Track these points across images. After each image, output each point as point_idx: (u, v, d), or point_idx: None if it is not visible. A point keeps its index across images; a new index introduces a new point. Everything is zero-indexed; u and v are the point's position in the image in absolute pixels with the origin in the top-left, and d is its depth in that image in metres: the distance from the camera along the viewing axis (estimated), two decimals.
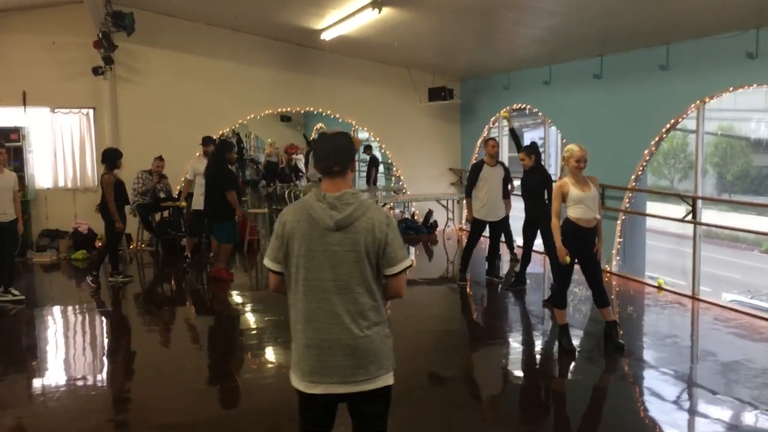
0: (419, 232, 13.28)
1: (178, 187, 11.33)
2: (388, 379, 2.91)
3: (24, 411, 5.10)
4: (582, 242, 6.07)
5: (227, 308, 8.30)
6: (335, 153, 2.85)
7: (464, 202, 9.04)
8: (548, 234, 8.16)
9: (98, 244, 11.18)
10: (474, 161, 12.70)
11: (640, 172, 9.08)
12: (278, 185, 16.70)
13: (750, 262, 16.13)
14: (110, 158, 8.86)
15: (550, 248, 8.22)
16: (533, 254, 8.73)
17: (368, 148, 17.23)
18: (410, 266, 2.94)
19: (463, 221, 13.85)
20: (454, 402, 5.19)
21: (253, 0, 10.13)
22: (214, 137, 10.38)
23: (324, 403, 2.88)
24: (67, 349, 6.77)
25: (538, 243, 8.50)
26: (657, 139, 8.76)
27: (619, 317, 7.11)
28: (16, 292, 8.13)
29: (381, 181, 18.26)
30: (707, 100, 8.13)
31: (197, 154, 10.56)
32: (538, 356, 6.51)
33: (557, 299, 6.30)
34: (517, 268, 8.85)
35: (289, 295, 2.93)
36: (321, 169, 2.87)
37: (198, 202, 9.86)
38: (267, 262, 2.94)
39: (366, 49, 12.00)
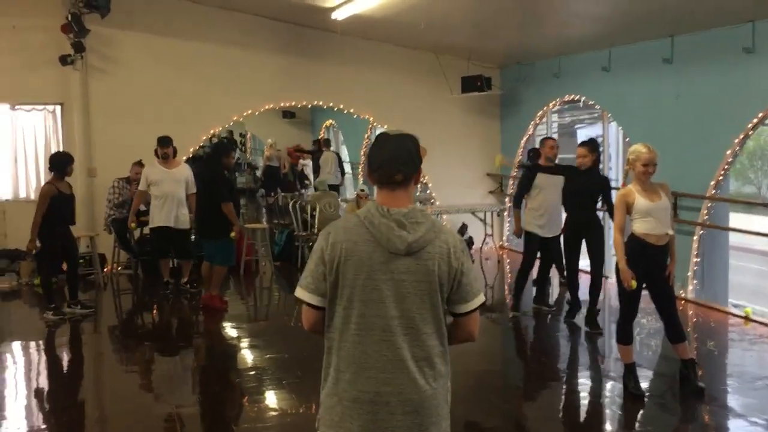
0: None
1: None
2: None
3: None
4: (651, 263, 6.03)
5: (220, 343, 8.35)
6: (399, 158, 2.74)
7: (510, 213, 9.02)
8: (598, 249, 8.17)
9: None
10: (518, 162, 12.71)
11: (721, 178, 9.02)
12: (280, 195, 16.77)
13: None
14: (59, 165, 8.85)
15: (598, 268, 8.24)
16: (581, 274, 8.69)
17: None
18: (485, 303, 2.86)
19: (506, 236, 13.83)
20: None
21: None
22: (171, 138, 10.29)
23: None
24: (28, 394, 6.84)
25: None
26: (741, 136, 8.71)
27: (697, 354, 7.05)
28: None
29: None
30: None
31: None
32: (598, 402, 6.47)
33: (622, 333, 6.25)
34: (568, 295, 8.78)
35: (330, 335, 2.77)
36: (378, 178, 2.75)
37: (160, 218, 9.91)
38: (304, 294, 2.76)
39: (386, 30, 12.06)
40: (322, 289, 2.72)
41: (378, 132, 2.85)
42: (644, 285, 6.10)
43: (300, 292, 2.76)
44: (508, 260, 12.88)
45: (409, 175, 2.74)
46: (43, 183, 11.81)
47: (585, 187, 8.09)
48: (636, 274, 5.94)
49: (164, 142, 10.12)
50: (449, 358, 2.79)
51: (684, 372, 6.27)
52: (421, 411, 2.68)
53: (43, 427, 5.97)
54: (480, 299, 2.78)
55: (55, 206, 8.68)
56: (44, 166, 11.82)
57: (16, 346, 8.24)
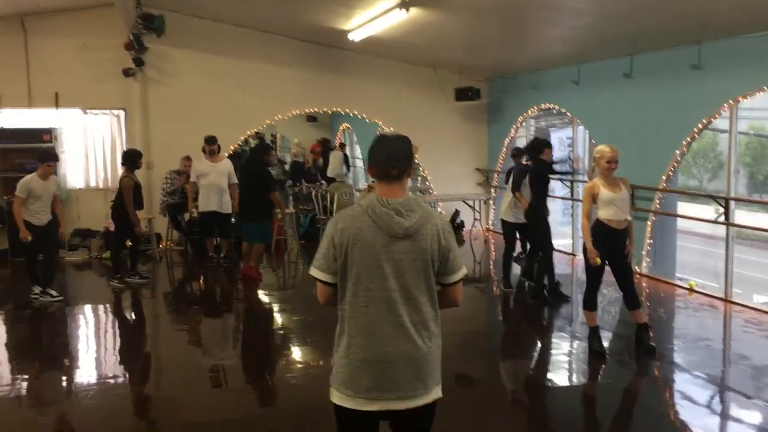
0: None
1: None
2: (438, 392, 2.83)
3: (61, 409, 5.19)
4: (613, 243, 6.00)
5: (256, 308, 8.36)
6: (395, 156, 2.73)
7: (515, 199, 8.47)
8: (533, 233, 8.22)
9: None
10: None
11: (671, 173, 8.97)
12: (304, 185, 16.78)
13: None
14: (131, 160, 8.99)
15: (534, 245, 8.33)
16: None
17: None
18: (467, 275, 2.88)
19: (491, 221, 13.81)
20: (482, 405, 5.18)
21: (281, 1, 10.18)
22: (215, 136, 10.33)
23: (373, 422, 2.78)
24: (98, 348, 6.88)
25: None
26: (689, 139, 8.65)
27: (649, 319, 7.03)
28: (54, 293, 8.23)
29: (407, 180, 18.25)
30: (740, 99, 8.01)
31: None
32: (567, 359, 6.47)
33: (587, 301, 6.23)
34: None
35: (342, 307, 2.76)
36: (377, 173, 2.74)
37: (208, 204, 9.95)
38: (317, 273, 2.76)
39: (393, 49, 12.01)
40: (333, 269, 2.71)
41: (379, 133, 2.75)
42: (606, 261, 6.07)
43: (314, 272, 2.76)
44: (493, 240, 12.86)
45: (402, 171, 2.73)
46: (110, 174, 11.92)
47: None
48: (600, 252, 5.92)
49: (211, 140, 10.13)
50: (440, 322, 2.81)
51: (639, 334, 6.26)
52: (420, 366, 2.72)
53: (110, 375, 6.00)
54: (463, 272, 2.81)
55: (135, 195, 8.89)
56: (110, 160, 11.90)
57: (87, 308, 8.28)
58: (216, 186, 9.93)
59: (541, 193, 8.03)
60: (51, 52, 11.25)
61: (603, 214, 6.00)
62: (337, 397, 2.77)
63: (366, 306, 2.68)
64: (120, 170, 11.82)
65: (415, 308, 2.70)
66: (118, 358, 6.50)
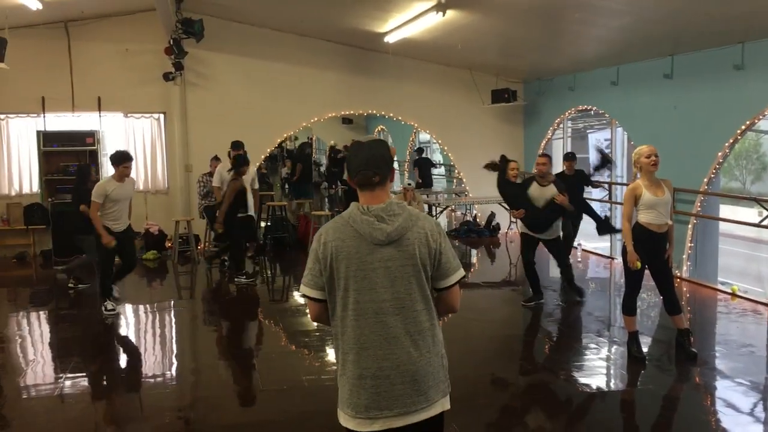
0: (481, 234, 13.20)
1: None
2: (445, 404, 2.68)
3: (103, 406, 5.28)
4: (653, 247, 5.87)
5: (289, 307, 8.41)
6: (374, 162, 2.59)
7: None
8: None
9: (168, 244, 11.50)
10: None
11: (712, 175, 8.79)
12: (340, 187, 16.82)
13: None
14: (239, 164, 9.22)
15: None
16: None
17: (419, 151, 17.29)
18: (464, 277, 2.71)
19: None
20: (518, 409, 5.13)
21: (318, 5, 10.25)
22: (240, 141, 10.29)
23: None
24: (140, 347, 6.98)
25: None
26: (731, 141, 8.47)
27: (690, 324, 6.89)
28: (110, 305, 7.88)
29: (442, 183, 18.21)
30: None
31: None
32: (605, 363, 6.37)
33: (627, 305, 6.12)
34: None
35: (333, 323, 2.65)
36: (359, 181, 2.60)
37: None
38: (305, 290, 2.65)
39: (429, 51, 11.99)
40: (320, 284, 2.60)
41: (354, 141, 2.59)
42: (647, 266, 5.96)
43: (303, 288, 2.66)
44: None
45: (384, 176, 2.60)
46: (150, 176, 12.12)
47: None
48: (640, 256, 5.81)
49: (237, 145, 10.05)
50: (440, 329, 2.68)
51: (679, 339, 6.13)
52: (418, 378, 2.57)
53: (151, 374, 6.09)
54: (459, 274, 2.65)
55: (237, 198, 9.16)
56: (150, 163, 12.10)
57: (128, 308, 8.40)
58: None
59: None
60: (94, 57, 11.50)
61: (644, 217, 5.87)
62: (342, 418, 2.66)
63: (356, 319, 2.56)
64: (159, 172, 12.15)
65: (410, 318, 2.56)
66: (155, 359, 6.59)
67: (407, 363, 2.56)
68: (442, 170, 18.62)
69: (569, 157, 9.20)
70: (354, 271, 2.54)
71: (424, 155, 17.41)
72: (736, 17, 7.45)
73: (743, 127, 8.31)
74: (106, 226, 7.63)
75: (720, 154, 8.61)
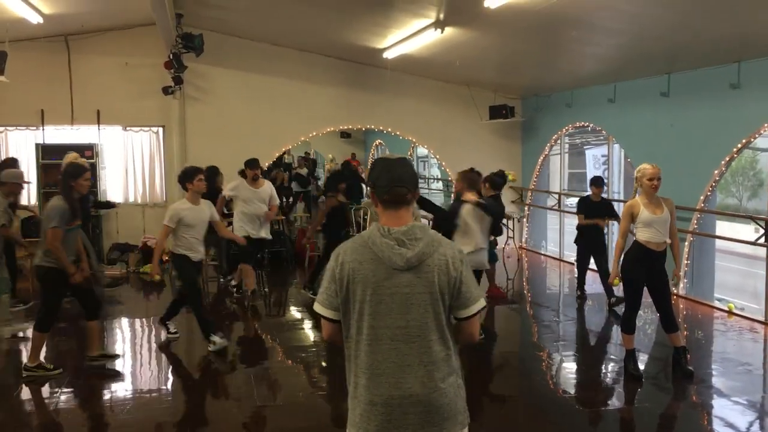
0: None
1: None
2: None
3: (98, 421, 5.26)
4: (651, 265, 5.86)
5: (286, 324, 8.38)
6: (404, 180, 2.50)
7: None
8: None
9: (165, 258, 11.46)
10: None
11: (709, 193, 8.82)
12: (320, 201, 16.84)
13: None
14: (334, 183, 9.25)
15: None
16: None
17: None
18: (484, 308, 2.60)
19: (524, 239, 13.68)
20: (514, 427, 5.11)
21: (317, 21, 10.30)
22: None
23: None
24: (135, 361, 6.95)
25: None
26: (728, 158, 8.50)
27: (687, 342, 6.89)
28: (218, 339, 6.95)
29: (440, 197, 18.25)
30: None
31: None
32: (602, 381, 6.36)
33: (626, 324, 6.10)
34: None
35: (347, 344, 2.57)
36: (390, 198, 2.49)
37: (253, 229, 8.86)
38: (320, 309, 2.56)
39: (427, 67, 12.05)
40: (335, 304, 2.51)
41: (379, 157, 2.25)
42: (645, 283, 5.94)
43: (317, 307, 2.57)
44: (526, 258, 12.76)
45: (413, 194, 2.54)
46: (148, 190, 12.13)
47: None
48: (639, 273, 5.82)
49: (253, 164, 9.07)
50: (457, 360, 2.58)
51: (676, 357, 6.12)
52: (432, 409, 2.47)
53: (146, 388, 6.06)
54: (479, 305, 2.53)
55: (332, 214, 9.02)
56: (149, 176, 12.11)
57: (125, 321, 8.38)
58: (258, 214, 8.91)
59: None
60: (93, 70, 11.53)
61: (642, 235, 5.87)
62: None
63: (369, 344, 2.48)
64: (158, 186, 12.15)
65: (424, 347, 2.47)
66: (157, 373, 6.57)
67: (420, 393, 2.46)
68: (439, 185, 18.66)
69: (598, 183, 8.79)
70: (370, 295, 2.45)
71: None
72: (732, 37, 7.50)
73: (740, 145, 8.35)
74: (183, 255, 6.78)
75: (716, 171, 8.65)
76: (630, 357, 6.12)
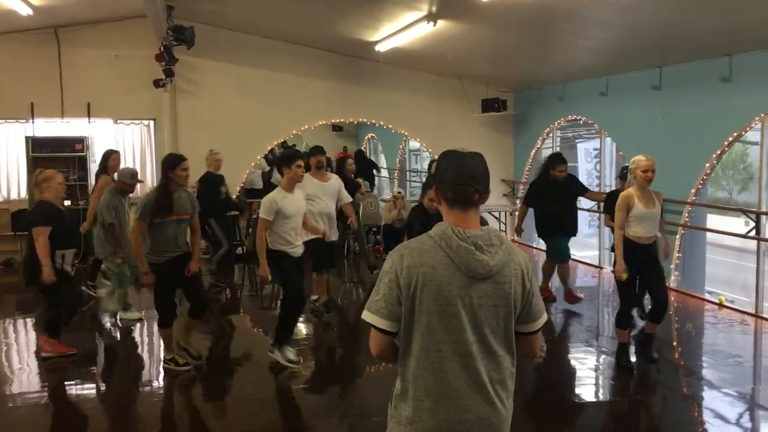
0: None
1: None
2: None
3: (90, 415, 5.24)
4: (643, 258, 5.83)
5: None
6: (477, 178, 2.27)
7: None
8: None
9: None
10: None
11: (700, 186, 8.85)
12: None
13: None
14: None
15: None
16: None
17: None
18: (548, 320, 2.48)
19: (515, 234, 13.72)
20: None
21: (309, 14, 10.26)
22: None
23: None
24: (127, 356, 6.93)
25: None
26: (719, 152, 8.53)
27: (677, 334, 6.93)
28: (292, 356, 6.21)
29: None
30: None
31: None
32: (594, 374, 6.39)
33: (621, 319, 6.07)
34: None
35: (405, 362, 2.27)
36: (455, 196, 2.25)
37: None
38: (374, 318, 2.24)
39: (420, 60, 12.03)
40: (396, 314, 2.22)
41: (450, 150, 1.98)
42: (637, 277, 5.93)
43: (370, 317, 2.25)
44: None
45: (483, 196, 2.29)
46: (139, 184, 12.02)
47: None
48: (630, 268, 5.77)
49: (318, 150, 7.75)
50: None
51: (644, 342, 6.18)
52: None
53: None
54: (544, 318, 2.36)
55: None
56: (140, 169, 12.04)
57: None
58: (327, 213, 7.46)
59: None
60: (83, 63, 11.45)
61: (633, 231, 5.80)
62: None
63: (439, 362, 2.21)
64: (149, 179, 12.09)
65: (495, 364, 2.26)
66: (148, 367, 6.55)
67: (491, 416, 2.26)
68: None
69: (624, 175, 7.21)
70: (443, 305, 2.18)
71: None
72: (724, 30, 7.52)
73: (731, 139, 8.38)
74: (281, 251, 5.96)
75: (708, 164, 8.68)
76: (622, 350, 6.12)
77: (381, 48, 10.74)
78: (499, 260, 2.22)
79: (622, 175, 7.42)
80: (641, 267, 5.86)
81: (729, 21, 7.20)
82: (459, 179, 2.25)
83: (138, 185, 7.78)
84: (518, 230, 8.80)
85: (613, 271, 6.08)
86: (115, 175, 7.82)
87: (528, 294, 2.29)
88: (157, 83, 11.14)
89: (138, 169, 11.99)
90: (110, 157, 8.57)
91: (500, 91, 13.12)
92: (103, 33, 11.46)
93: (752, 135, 8.76)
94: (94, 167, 11.59)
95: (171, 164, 5.83)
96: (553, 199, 7.89)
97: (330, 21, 10.44)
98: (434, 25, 8.62)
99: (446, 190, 2.27)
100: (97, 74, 11.51)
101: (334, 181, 7.69)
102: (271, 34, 12.08)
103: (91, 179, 11.40)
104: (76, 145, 11.24)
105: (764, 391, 5.80)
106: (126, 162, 12.03)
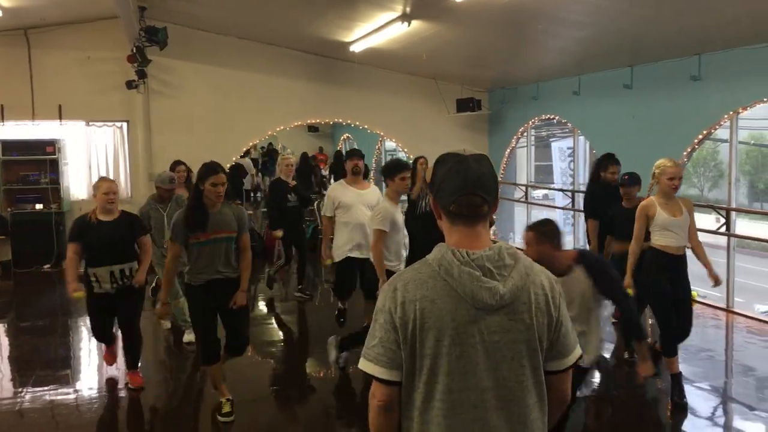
0: None
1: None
2: None
3: (65, 420, 5.18)
4: (673, 271, 5.20)
5: (256, 316, 8.34)
6: (485, 185, 1.87)
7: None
8: None
9: None
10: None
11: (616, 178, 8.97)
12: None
13: None
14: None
15: None
16: None
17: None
18: (580, 357, 2.01)
19: (492, 230, 13.79)
20: None
21: (284, 14, 10.23)
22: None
23: None
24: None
25: None
26: (689, 149, 8.67)
27: (651, 329, 7.02)
28: None
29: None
30: (740, 111, 8.03)
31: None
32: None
33: (667, 347, 5.26)
34: None
35: (407, 415, 1.90)
36: (457, 209, 1.86)
37: (349, 248, 6.52)
38: (373, 368, 1.86)
39: (394, 60, 12.05)
40: (397, 361, 1.85)
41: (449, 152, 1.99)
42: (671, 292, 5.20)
43: (368, 366, 1.87)
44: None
45: (491, 205, 1.90)
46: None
47: None
48: (662, 281, 5.15)
49: (356, 154, 6.99)
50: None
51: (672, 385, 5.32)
52: None
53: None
54: (577, 353, 1.95)
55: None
56: (113, 172, 11.92)
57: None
58: (361, 225, 6.49)
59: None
60: (54, 64, 11.29)
61: (659, 240, 5.20)
62: None
63: (444, 415, 1.83)
64: (122, 181, 11.97)
65: (519, 415, 1.85)
66: (125, 369, 6.50)
67: None
68: None
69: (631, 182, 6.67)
70: (447, 346, 1.81)
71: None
72: (693, 29, 7.64)
73: (700, 137, 8.52)
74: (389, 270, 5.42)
75: (678, 162, 8.80)
76: (676, 382, 5.29)
77: (356, 48, 10.74)
78: (513, 285, 1.82)
79: (626, 181, 6.57)
80: (673, 282, 5.20)
81: (698, 20, 7.32)
82: (463, 188, 1.85)
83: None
84: (607, 253, 6.58)
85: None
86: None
87: (556, 324, 1.88)
88: (130, 84, 11.03)
89: (111, 172, 11.91)
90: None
91: (475, 90, 13.19)
92: (74, 34, 11.30)
93: (722, 132, 8.91)
94: (66, 170, 11.47)
95: (200, 176, 4.92)
96: (607, 205, 6.69)
97: (305, 21, 10.41)
98: (408, 26, 8.66)
99: (448, 203, 1.87)
100: (69, 76, 11.36)
101: (373, 190, 6.87)
102: (245, 34, 12.02)
103: (64, 182, 11.26)
104: (47, 147, 11.08)
105: (736, 385, 5.90)
106: (98, 165, 11.93)
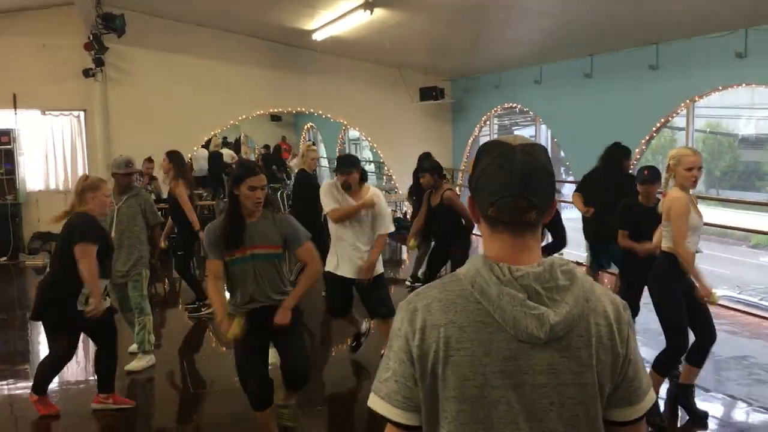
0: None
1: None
2: None
3: (24, 414, 5.10)
4: (690, 279, 4.53)
5: None
6: (533, 183, 1.43)
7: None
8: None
9: None
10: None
11: (631, 171, 9.13)
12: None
13: (738, 257, 16.28)
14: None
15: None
16: None
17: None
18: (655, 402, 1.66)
19: None
20: None
21: (243, 1, 10.12)
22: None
23: None
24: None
25: None
26: (647, 137, 8.84)
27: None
28: None
29: (372, 180, 18.31)
30: (696, 99, 8.22)
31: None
32: None
33: (696, 356, 4.73)
34: None
35: None
36: (498, 214, 1.44)
37: (342, 265, 5.53)
38: (387, 409, 1.46)
39: (358, 49, 12.02)
40: (415, 400, 1.44)
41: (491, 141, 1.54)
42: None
43: (380, 405, 1.48)
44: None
45: (544, 210, 1.45)
46: (69, 176, 11.70)
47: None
48: (679, 294, 4.54)
49: (347, 163, 5.57)
50: None
51: (682, 396, 4.91)
52: None
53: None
54: (651, 398, 1.51)
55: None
56: (70, 162, 11.70)
57: None
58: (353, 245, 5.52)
59: None
60: (8, 52, 11.00)
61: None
62: None
63: None
64: (80, 171, 11.75)
65: None
66: (84, 363, 6.41)
67: None
68: (372, 167, 18.72)
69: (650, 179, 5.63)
70: (478, 388, 1.40)
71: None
72: (651, 19, 7.78)
73: (659, 125, 8.70)
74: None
75: (637, 150, 8.98)
76: (688, 394, 4.86)
77: (318, 36, 10.68)
78: (567, 312, 1.40)
79: (647, 177, 5.54)
80: (691, 289, 4.55)
81: (655, 11, 7.45)
82: (505, 187, 1.42)
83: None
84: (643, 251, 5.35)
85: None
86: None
87: (623, 362, 1.46)
88: (87, 73, 10.83)
89: (68, 163, 11.69)
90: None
91: (438, 79, 13.24)
92: (28, 21, 11.03)
93: (679, 120, 9.10)
94: (22, 160, 11.21)
95: (235, 179, 3.95)
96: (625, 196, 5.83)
97: (265, 8, 10.32)
98: (371, 14, 8.63)
99: (486, 204, 1.45)
100: (24, 64, 11.08)
101: (373, 194, 5.63)
102: (205, 22, 11.86)
103: (20, 173, 11.00)
104: (2, 137, 10.84)
105: (704, 371, 6.04)
106: (55, 156, 11.69)
